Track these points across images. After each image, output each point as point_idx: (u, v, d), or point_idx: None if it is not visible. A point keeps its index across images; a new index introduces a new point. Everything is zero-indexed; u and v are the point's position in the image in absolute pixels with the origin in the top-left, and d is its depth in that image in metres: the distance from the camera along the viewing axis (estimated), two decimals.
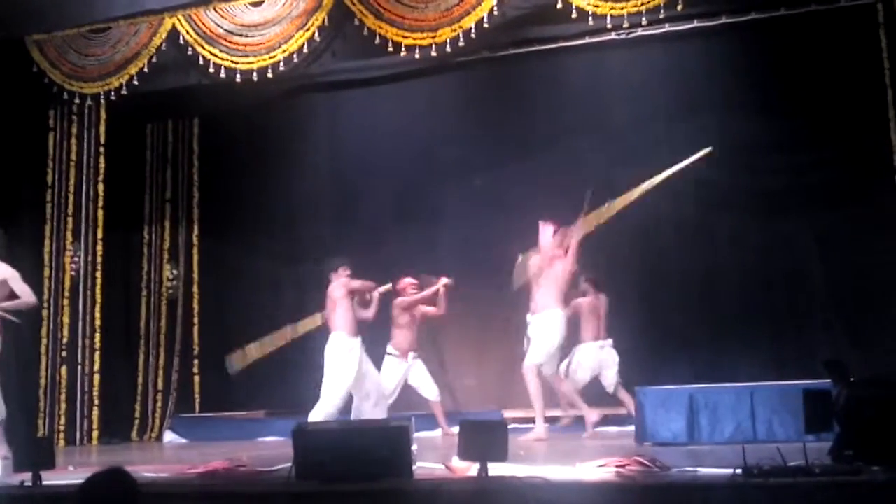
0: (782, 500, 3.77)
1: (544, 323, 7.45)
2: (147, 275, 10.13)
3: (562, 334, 7.45)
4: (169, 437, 9.46)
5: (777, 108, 8.64)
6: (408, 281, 8.36)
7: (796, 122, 8.58)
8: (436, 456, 5.07)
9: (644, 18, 7.66)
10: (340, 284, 7.48)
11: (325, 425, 5.86)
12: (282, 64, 8.21)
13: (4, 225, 8.95)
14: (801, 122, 8.57)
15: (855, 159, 8.28)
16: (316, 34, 8.07)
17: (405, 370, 8.23)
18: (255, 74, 8.30)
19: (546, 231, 7.57)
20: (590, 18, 7.51)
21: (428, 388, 8.27)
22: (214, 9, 8.36)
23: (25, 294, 6.80)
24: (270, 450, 7.23)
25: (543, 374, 7.47)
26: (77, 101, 8.99)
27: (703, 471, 4.41)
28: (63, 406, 9.05)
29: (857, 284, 8.30)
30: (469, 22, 7.65)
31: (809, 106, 8.49)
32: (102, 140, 9.35)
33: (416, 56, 8.00)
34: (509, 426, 5.08)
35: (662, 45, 8.78)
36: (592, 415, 7.51)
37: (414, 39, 7.86)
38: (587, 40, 8.70)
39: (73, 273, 9.21)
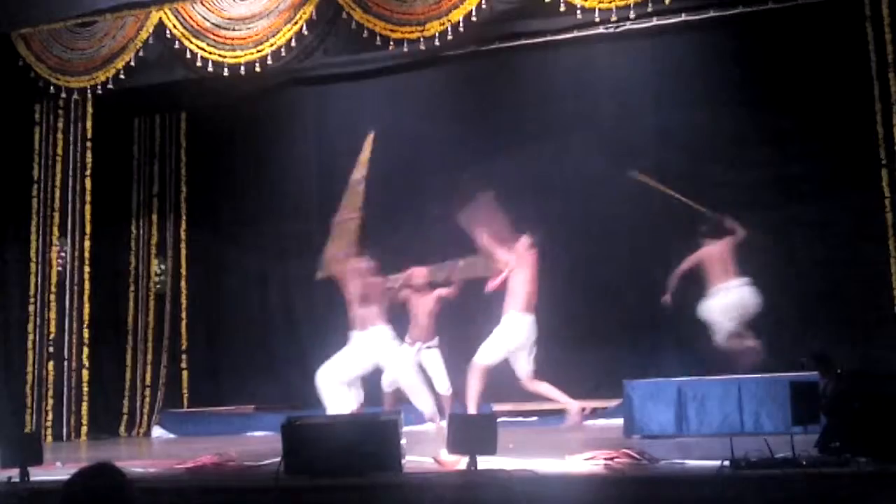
0: (770, 492, 3.79)
1: (505, 324, 7.65)
2: (135, 269, 10.09)
3: (519, 339, 7.61)
4: (157, 432, 9.44)
5: (765, 101, 8.67)
6: (417, 270, 8.32)
7: (784, 116, 8.61)
8: (425, 449, 5.07)
9: (632, 12, 7.67)
10: None
11: (314, 420, 5.85)
12: (269, 58, 8.18)
13: None
14: (788, 116, 8.59)
15: (842, 152, 8.31)
16: (304, 28, 8.05)
17: (411, 358, 8.23)
18: (242, 68, 8.27)
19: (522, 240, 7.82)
20: (578, 12, 7.51)
21: (438, 381, 8.30)
22: (201, 2, 8.32)
23: None
24: (259, 444, 7.22)
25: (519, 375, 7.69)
26: (63, 95, 8.94)
27: (691, 463, 4.43)
28: (50, 401, 9.00)
29: (845, 276, 8.33)
30: (457, 16, 7.65)
31: (797, 99, 8.52)
32: (89, 135, 9.30)
33: (405, 50, 7.99)
34: (499, 419, 5.08)
35: (650, 39, 8.79)
36: (574, 406, 7.60)
37: (402, 33, 7.85)
38: (575, 34, 8.70)
39: (59, 268, 9.16)
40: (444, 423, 8.10)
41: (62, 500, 2.53)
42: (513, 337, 7.62)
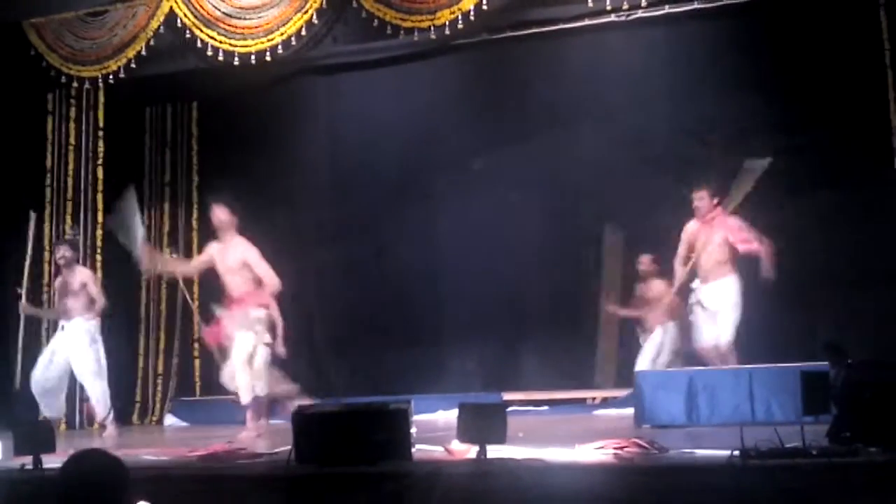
0: (780, 482, 3.77)
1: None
2: None
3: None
4: (170, 420, 9.49)
5: (777, 88, 8.61)
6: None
7: (796, 104, 8.55)
8: (435, 438, 5.09)
9: (643, 0, 7.63)
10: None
11: (325, 408, 5.88)
12: (280, 47, 8.18)
13: (3, 210, 8.98)
14: (801, 104, 8.54)
15: (855, 141, 8.26)
16: (314, 17, 8.04)
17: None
18: (253, 58, 8.27)
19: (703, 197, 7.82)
20: (589, 0, 7.48)
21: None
22: None
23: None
24: (270, 433, 7.25)
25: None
26: (75, 84, 8.98)
27: (701, 452, 4.43)
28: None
29: (857, 266, 8.29)
30: (468, 4, 7.63)
31: (809, 87, 8.46)
32: (101, 124, 9.35)
33: (415, 39, 7.98)
34: (508, 409, 5.09)
35: (662, 26, 8.74)
36: None
37: (413, 22, 7.83)
38: (586, 22, 8.66)
39: None
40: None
41: (60, 484, 2.57)
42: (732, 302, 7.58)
